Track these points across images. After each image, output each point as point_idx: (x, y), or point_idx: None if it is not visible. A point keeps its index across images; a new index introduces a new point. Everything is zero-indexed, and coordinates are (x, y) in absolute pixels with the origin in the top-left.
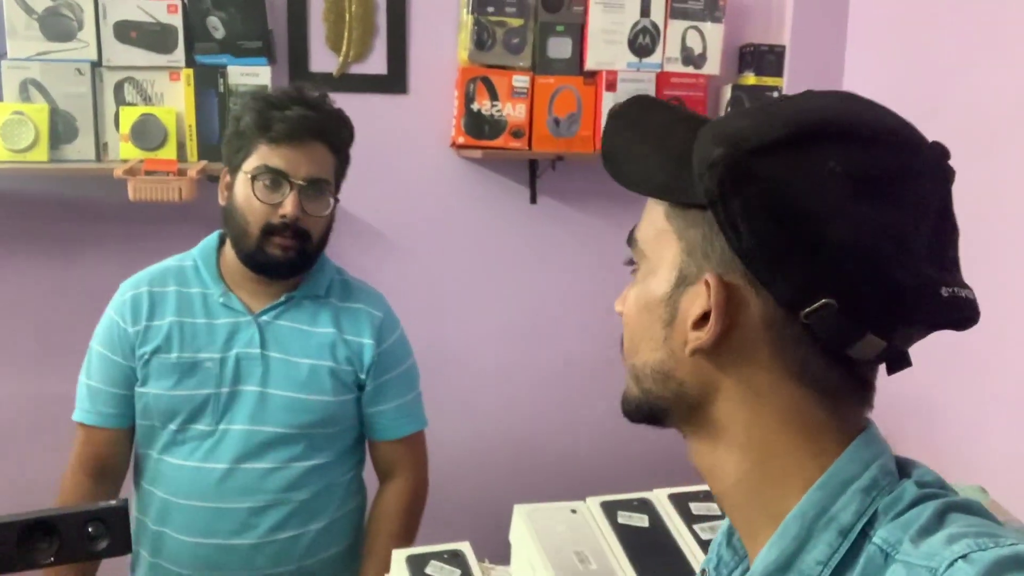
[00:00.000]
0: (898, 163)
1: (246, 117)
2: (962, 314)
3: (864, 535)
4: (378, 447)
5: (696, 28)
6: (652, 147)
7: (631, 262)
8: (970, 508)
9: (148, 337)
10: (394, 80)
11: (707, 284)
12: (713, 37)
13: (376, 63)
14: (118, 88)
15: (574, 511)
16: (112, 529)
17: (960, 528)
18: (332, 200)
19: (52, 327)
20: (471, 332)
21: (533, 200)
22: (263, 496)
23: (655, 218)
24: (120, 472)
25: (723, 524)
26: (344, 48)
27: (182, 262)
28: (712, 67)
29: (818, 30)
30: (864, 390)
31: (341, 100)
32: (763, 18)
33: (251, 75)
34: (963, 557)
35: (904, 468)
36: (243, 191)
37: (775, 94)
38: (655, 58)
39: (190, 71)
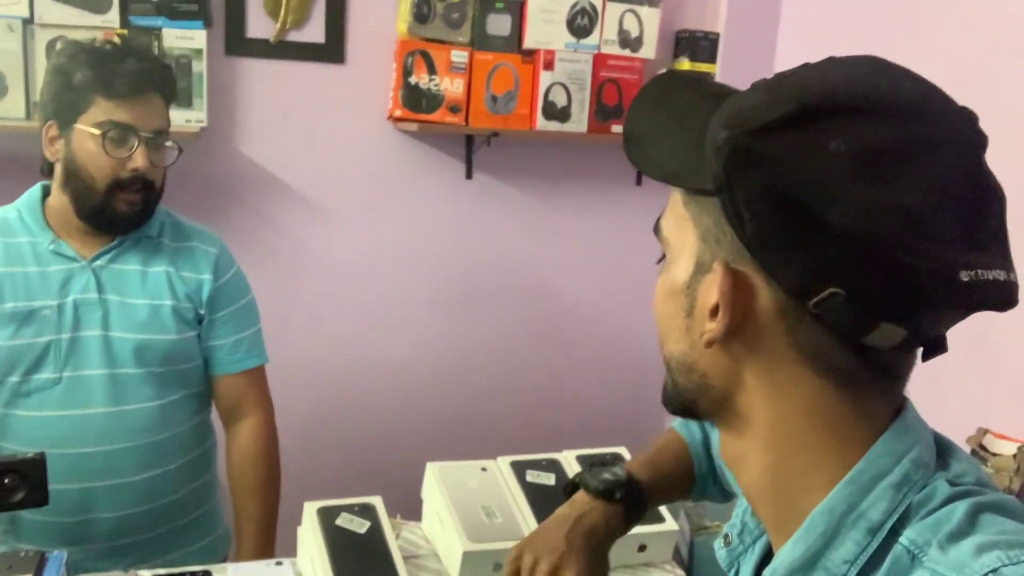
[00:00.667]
0: (911, 136)
1: (80, 72)
2: (989, 298)
3: (894, 533)
4: (221, 383)
5: (633, 12)
6: (670, 129)
7: (663, 256)
8: (1004, 508)
9: None
10: (332, 49)
11: (717, 271)
12: (650, 21)
13: (314, 31)
14: (50, 46)
15: (484, 469)
16: (29, 481)
17: (991, 535)
18: (177, 149)
19: None
20: (403, 301)
21: (468, 175)
22: (120, 439)
23: (675, 205)
24: None
25: None
26: (282, 15)
27: (5, 214)
28: (648, 51)
29: (751, 18)
30: (891, 379)
31: (278, 67)
32: (698, 5)
33: (186, 38)
34: (993, 571)
35: (943, 458)
36: (87, 146)
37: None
38: (592, 39)
39: (124, 32)
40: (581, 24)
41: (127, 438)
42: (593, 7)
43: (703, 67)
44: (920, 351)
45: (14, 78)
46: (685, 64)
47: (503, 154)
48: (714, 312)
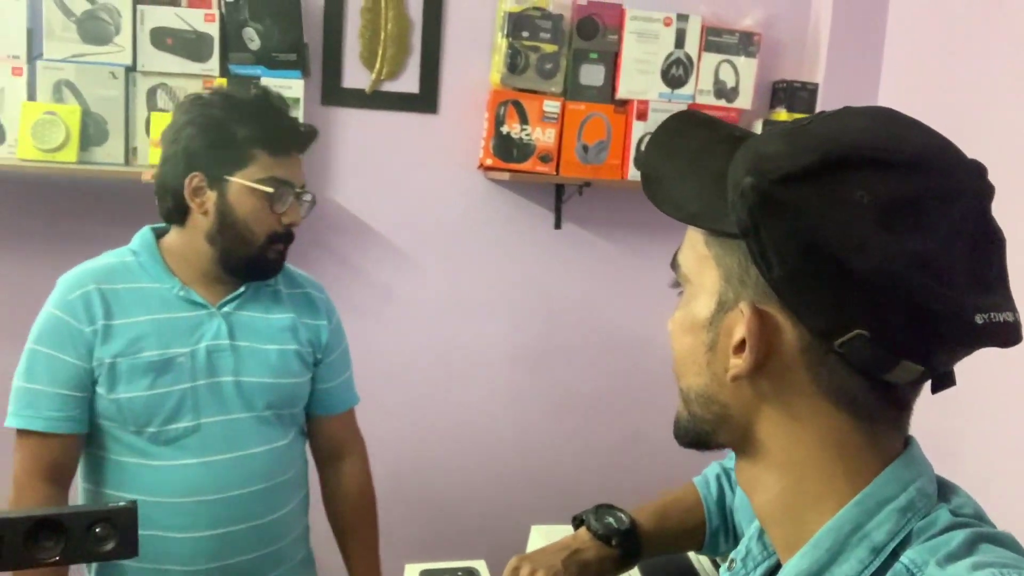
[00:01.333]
0: (929, 188)
1: (242, 127)
2: (999, 337)
3: (895, 555)
4: (326, 424)
5: (730, 62)
6: (688, 170)
7: (677, 284)
8: (1002, 541)
9: (110, 337)
10: (425, 99)
11: (743, 311)
12: (746, 71)
13: (408, 82)
14: (151, 94)
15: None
16: (120, 531)
17: (988, 558)
18: (313, 201)
19: None
20: (489, 352)
21: (558, 225)
22: (256, 481)
23: (695, 243)
24: (71, 477)
25: (755, 523)
26: (377, 65)
27: (122, 258)
28: (744, 101)
29: (851, 67)
30: (902, 411)
31: (372, 116)
32: (797, 55)
33: (284, 87)
34: None
35: (943, 493)
36: (249, 201)
37: None
38: (687, 89)
39: (223, 80)
40: (676, 74)
41: (259, 480)
42: (689, 57)
43: (801, 118)
44: (929, 385)
45: (115, 124)
46: (782, 115)
47: (593, 205)
48: (739, 349)
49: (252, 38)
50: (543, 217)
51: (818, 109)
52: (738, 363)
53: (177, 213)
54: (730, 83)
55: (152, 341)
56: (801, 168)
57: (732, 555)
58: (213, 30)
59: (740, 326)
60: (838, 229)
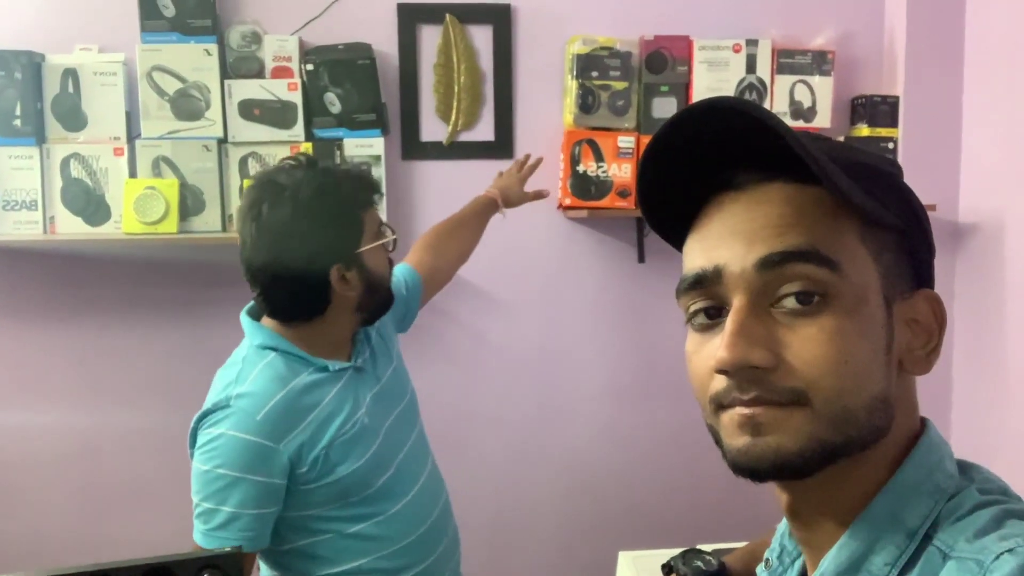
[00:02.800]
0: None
1: (347, 209)
2: None
3: (927, 537)
4: None
5: (804, 82)
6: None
7: (807, 297)
8: None
9: (313, 437)
10: (501, 146)
11: (926, 299)
12: (823, 90)
13: (484, 130)
14: (242, 162)
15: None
16: (226, 575)
17: (1015, 530)
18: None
19: (180, 387)
20: (581, 391)
21: (641, 259)
22: (441, 492)
23: (849, 244)
24: None
25: (784, 520)
26: (453, 117)
27: (270, 367)
28: (823, 120)
29: (933, 77)
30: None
31: (451, 166)
32: (874, 69)
33: (366, 146)
34: (1009, 551)
35: (966, 472)
36: (377, 259)
37: (890, 144)
38: None
39: (309, 144)
40: (750, 99)
41: (442, 489)
42: (761, 81)
43: (884, 132)
44: None
45: (211, 194)
46: (864, 130)
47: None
48: (927, 337)
49: (333, 102)
50: (626, 252)
51: (901, 121)
52: (930, 352)
53: (317, 309)
54: (807, 103)
55: (338, 422)
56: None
57: (767, 554)
58: (296, 98)
59: (921, 312)
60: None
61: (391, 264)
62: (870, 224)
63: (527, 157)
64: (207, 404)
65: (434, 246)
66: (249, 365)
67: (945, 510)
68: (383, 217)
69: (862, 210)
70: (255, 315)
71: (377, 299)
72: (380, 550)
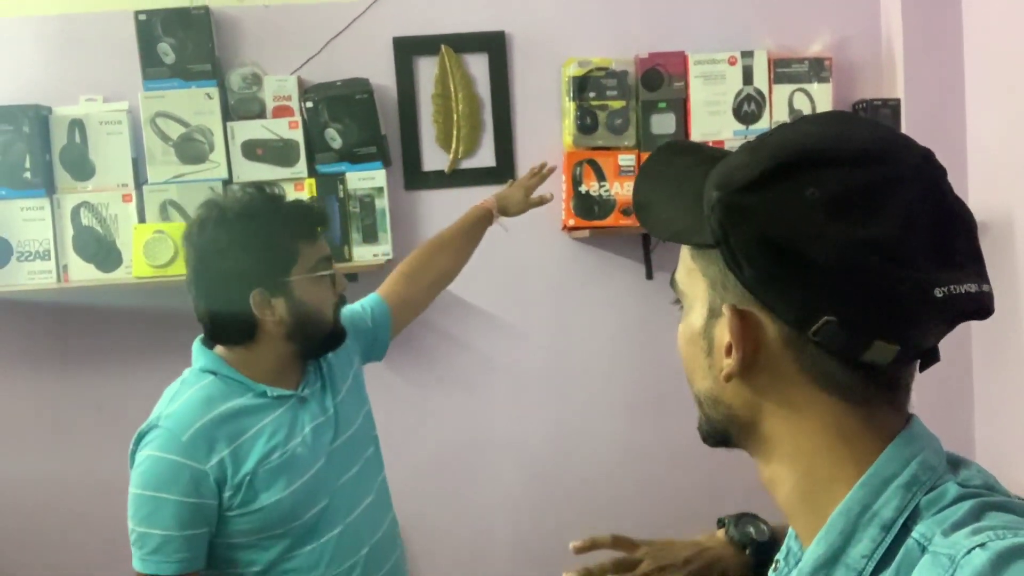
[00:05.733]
0: (873, 178)
1: (279, 236)
2: (966, 309)
3: (906, 529)
4: None
5: (803, 90)
6: (672, 194)
7: (677, 301)
8: (1010, 508)
9: (237, 460)
10: (503, 171)
11: (729, 311)
12: (821, 97)
13: (484, 156)
14: None
15: None
16: None
17: (990, 523)
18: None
19: None
20: (595, 411)
21: (649, 276)
22: (386, 517)
23: (685, 259)
24: None
25: None
26: (454, 145)
27: (204, 389)
28: None
29: (933, 79)
30: (895, 392)
31: (454, 194)
32: (874, 73)
33: (368, 179)
34: (980, 545)
35: (955, 466)
36: (313, 291)
37: None
38: (762, 123)
39: (312, 180)
40: (748, 110)
41: (388, 512)
42: (759, 92)
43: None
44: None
45: None
46: None
47: (681, 254)
48: (729, 350)
49: (334, 138)
50: (634, 269)
51: (904, 123)
52: (729, 363)
53: (244, 332)
54: (806, 110)
55: (269, 448)
56: (756, 176)
57: (777, 556)
58: (298, 136)
59: (727, 328)
60: (794, 225)
61: (340, 300)
62: (696, 245)
63: (542, 166)
64: (143, 425)
65: (409, 275)
66: (185, 386)
67: (924, 502)
68: (388, 248)
69: (669, 239)
70: (207, 343)
71: (312, 331)
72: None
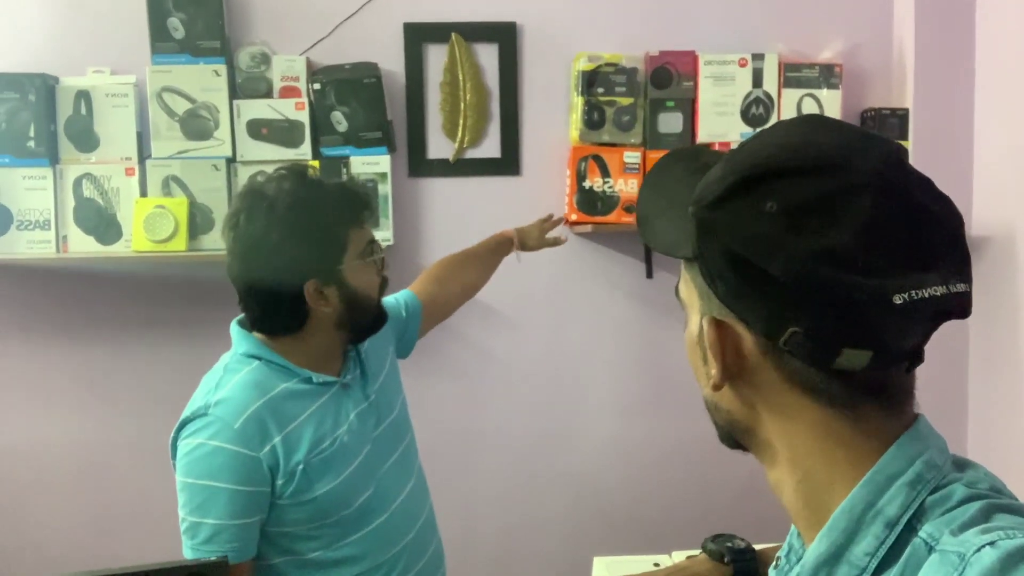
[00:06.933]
0: (831, 186)
1: (330, 225)
2: (935, 311)
3: (910, 528)
4: None
5: (812, 95)
6: (667, 205)
7: (683, 309)
8: (1018, 510)
9: (288, 448)
10: (508, 162)
11: (707, 322)
12: (831, 103)
13: (490, 147)
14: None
15: (657, 564)
16: None
17: (1000, 524)
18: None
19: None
20: (589, 407)
21: (649, 275)
22: (426, 504)
23: (683, 270)
24: None
25: None
26: (459, 134)
27: (251, 374)
28: None
29: (943, 89)
30: (883, 394)
31: (457, 183)
32: (883, 81)
33: (372, 164)
34: (990, 543)
35: (961, 468)
36: (362, 276)
37: None
38: None
39: (316, 163)
40: (756, 113)
41: (427, 498)
42: (768, 95)
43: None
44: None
45: (220, 212)
46: None
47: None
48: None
49: (340, 121)
50: (634, 267)
51: (911, 134)
52: (713, 372)
53: (295, 323)
54: None
55: (320, 436)
56: (725, 190)
57: (778, 554)
58: (304, 117)
59: (707, 333)
60: (754, 240)
61: (384, 283)
62: (685, 258)
63: (550, 216)
64: (186, 412)
65: (439, 278)
66: (230, 373)
67: (930, 502)
68: (389, 235)
69: (661, 252)
70: (245, 325)
71: (361, 317)
72: (356, 568)
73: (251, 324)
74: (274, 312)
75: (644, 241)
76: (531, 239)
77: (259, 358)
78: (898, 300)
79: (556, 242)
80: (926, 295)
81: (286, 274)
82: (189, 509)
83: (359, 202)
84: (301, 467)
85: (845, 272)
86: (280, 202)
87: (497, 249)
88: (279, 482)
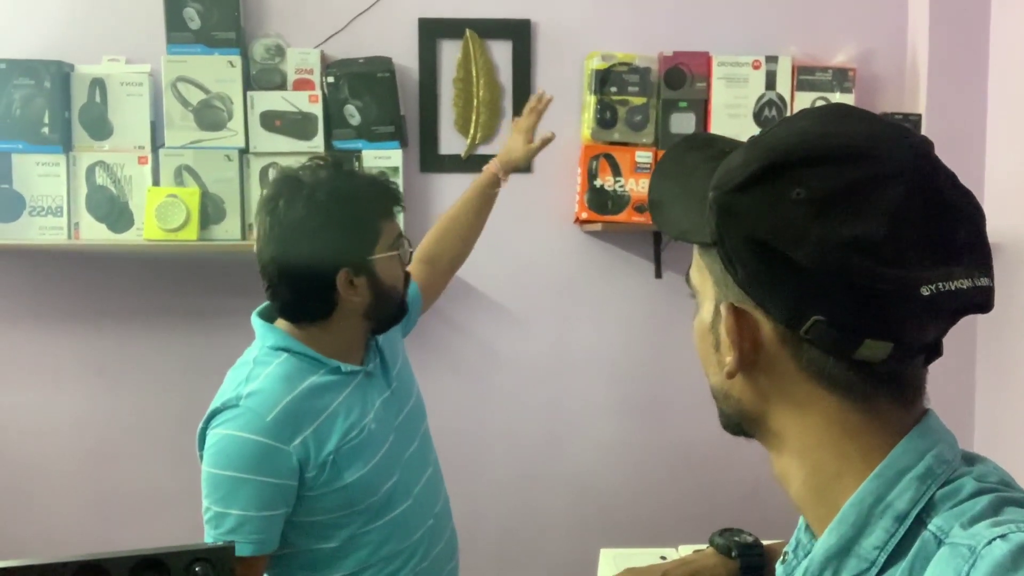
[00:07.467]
0: (861, 177)
1: (366, 216)
2: (960, 305)
3: (920, 522)
4: None
5: (825, 99)
6: (681, 192)
7: (692, 296)
8: None
9: (319, 440)
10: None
11: (725, 309)
12: None
13: (502, 143)
14: (263, 173)
15: (663, 557)
16: (218, 569)
17: (1010, 517)
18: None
19: (198, 393)
20: (595, 406)
21: (658, 275)
22: (441, 489)
23: (696, 256)
24: None
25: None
26: (472, 131)
27: (281, 367)
28: None
29: (955, 96)
30: (898, 387)
31: (469, 180)
32: (896, 87)
33: (384, 158)
34: (1002, 536)
35: (970, 463)
36: (390, 268)
37: None
38: None
39: (327, 157)
40: (769, 116)
41: (443, 485)
42: (781, 98)
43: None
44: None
45: (231, 203)
46: None
47: (692, 251)
48: (727, 343)
49: (353, 114)
50: (643, 267)
51: None
52: (729, 359)
53: (324, 311)
54: None
55: (348, 424)
56: (749, 176)
57: (785, 549)
58: (317, 110)
59: (725, 321)
60: (780, 226)
61: (407, 276)
62: (701, 244)
63: (539, 97)
64: (216, 403)
65: (426, 261)
66: (260, 365)
67: (939, 495)
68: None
69: (677, 238)
70: (267, 317)
71: (386, 308)
72: (379, 554)
73: (279, 311)
74: (305, 298)
75: (658, 227)
76: (518, 153)
77: (287, 350)
78: (925, 292)
79: (544, 142)
80: (952, 288)
81: (321, 261)
82: (214, 499)
83: (391, 195)
84: (332, 457)
85: (873, 262)
86: (320, 189)
87: (482, 194)
88: (309, 474)
